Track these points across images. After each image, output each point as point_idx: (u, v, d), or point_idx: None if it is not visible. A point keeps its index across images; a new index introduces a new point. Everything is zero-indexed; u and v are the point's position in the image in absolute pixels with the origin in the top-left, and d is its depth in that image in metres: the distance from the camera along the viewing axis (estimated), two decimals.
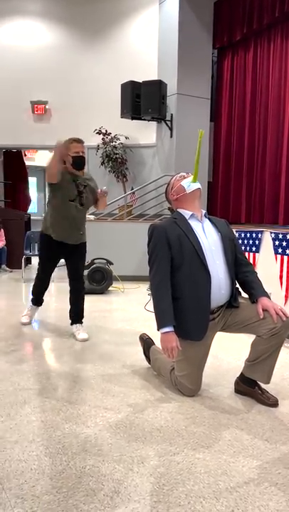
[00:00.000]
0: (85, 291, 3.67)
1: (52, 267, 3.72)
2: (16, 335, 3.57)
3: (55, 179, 3.22)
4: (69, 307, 3.66)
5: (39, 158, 11.86)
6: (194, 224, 2.36)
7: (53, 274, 3.95)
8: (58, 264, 3.78)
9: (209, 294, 2.25)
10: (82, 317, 3.65)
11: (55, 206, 3.43)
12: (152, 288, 2.32)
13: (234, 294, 2.36)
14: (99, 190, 3.52)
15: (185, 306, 2.27)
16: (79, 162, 3.31)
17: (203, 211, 2.46)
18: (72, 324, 3.61)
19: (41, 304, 3.96)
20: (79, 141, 3.31)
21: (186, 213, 2.39)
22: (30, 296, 3.92)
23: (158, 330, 2.26)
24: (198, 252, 2.26)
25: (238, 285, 2.44)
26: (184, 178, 2.43)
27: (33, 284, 3.86)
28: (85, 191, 3.45)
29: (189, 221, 2.36)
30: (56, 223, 3.43)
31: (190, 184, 2.39)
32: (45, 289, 3.85)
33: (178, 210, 2.46)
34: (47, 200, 3.57)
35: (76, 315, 3.62)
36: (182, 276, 2.28)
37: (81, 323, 3.62)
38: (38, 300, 3.90)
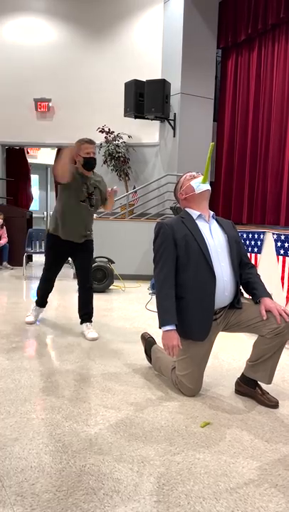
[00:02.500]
0: (93, 289, 3.66)
1: (58, 268, 3.70)
2: (18, 332, 3.57)
3: (66, 178, 3.21)
4: (72, 305, 3.65)
5: (42, 156, 11.86)
6: (201, 224, 2.36)
7: None
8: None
9: (213, 296, 2.26)
10: (92, 316, 3.64)
11: (64, 206, 3.42)
12: (156, 286, 2.32)
13: (238, 296, 2.37)
14: (109, 189, 3.52)
15: (188, 306, 2.27)
16: (90, 163, 3.31)
17: (211, 212, 2.46)
18: (82, 323, 3.60)
19: (45, 306, 3.96)
20: (91, 142, 3.31)
21: (194, 213, 2.39)
22: (35, 298, 3.90)
23: (160, 328, 2.26)
24: (205, 253, 2.26)
25: (240, 286, 2.44)
26: (194, 177, 2.42)
27: (38, 285, 3.85)
28: (95, 193, 3.45)
29: (197, 221, 2.36)
30: (65, 223, 3.43)
31: (199, 184, 2.38)
32: (50, 291, 3.86)
33: (186, 209, 2.45)
34: (56, 199, 3.54)
35: (86, 314, 3.60)
36: (187, 277, 2.28)
37: (91, 321, 3.60)
38: (42, 302, 3.90)
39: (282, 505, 1.53)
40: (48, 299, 3.91)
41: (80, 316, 3.61)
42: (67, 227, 3.44)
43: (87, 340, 3.41)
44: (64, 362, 2.91)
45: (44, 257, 3.73)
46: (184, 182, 2.45)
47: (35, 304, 3.92)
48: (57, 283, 3.87)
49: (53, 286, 3.83)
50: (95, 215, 6.55)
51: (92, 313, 3.63)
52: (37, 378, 2.60)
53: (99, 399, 2.34)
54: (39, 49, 8.58)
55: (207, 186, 2.40)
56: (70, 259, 3.78)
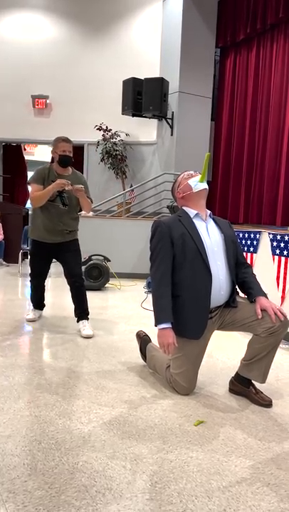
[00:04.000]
0: (85, 287, 3.65)
1: (43, 270, 3.71)
2: (12, 329, 3.56)
3: (38, 205, 3.39)
4: (68, 302, 3.65)
5: (38, 153, 11.83)
6: (198, 223, 2.36)
7: (50, 270, 3.93)
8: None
9: (209, 294, 2.26)
10: (88, 313, 3.62)
11: (37, 208, 3.46)
12: (153, 284, 2.32)
13: (233, 295, 2.37)
14: (70, 187, 3.35)
15: (184, 305, 2.28)
16: (64, 160, 3.37)
17: (208, 211, 2.46)
18: (78, 321, 3.59)
19: (43, 308, 3.97)
20: (67, 141, 3.38)
21: (191, 212, 2.39)
22: (30, 295, 3.90)
23: (155, 326, 2.26)
24: (201, 251, 2.26)
25: (236, 285, 2.44)
26: (192, 176, 2.42)
27: (30, 292, 3.86)
28: (66, 191, 3.40)
29: (194, 220, 2.36)
30: (39, 224, 3.46)
31: (197, 183, 2.38)
32: (43, 293, 3.87)
33: (183, 208, 2.45)
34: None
35: (81, 312, 3.59)
36: (183, 275, 2.28)
37: (87, 319, 3.59)
38: (39, 305, 3.92)
39: (274, 504, 1.53)
40: (44, 297, 3.90)
41: (76, 315, 3.61)
42: (42, 228, 3.45)
43: (82, 337, 3.41)
44: (58, 359, 2.90)
45: (30, 266, 3.75)
46: (182, 181, 2.45)
47: (33, 307, 3.92)
48: (52, 281, 3.86)
49: (43, 289, 3.85)
50: (91, 213, 6.57)
51: (88, 310, 3.62)
52: (31, 375, 2.59)
53: (93, 396, 2.34)
54: (37, 46, 8.55)
55: (205, 185, 2.40)
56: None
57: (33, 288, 3.80)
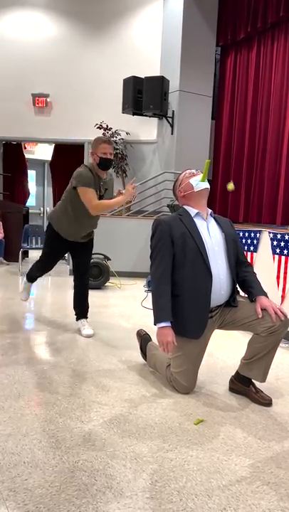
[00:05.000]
0: (88, 286, 3.65)
1: (53, 261, 3.61)
2: (13, 328, 3.56)
3: (100, 213, 3.28)
4: (68, 302, 3.64)
5: (39, 151, 11.81)
6: (199, 222, 2.36)
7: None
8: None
9: (210, 294, 2.26)
10: (88, 312, 3.62)
11: (75, 206, 3.24)
12: (152, 283, 2.32)
13: (234, 295, 2.37)
14: (122, 190, 3.27)
15: (184, 304, 2.28)
16: (105, 163, 3.17)
17: (209, 210, 2.45)
18: (77, 320, 3.59)
19: (34, 281, 3.84)
20: (109, 142, 3.18)
21: (192, 211, 2.39)
22: (31, 293, 3.83)
23: (155, 324, 2.26)
24: (202, 251, 2.26)
25: (237, 285, 2.44)
26: (193, 175, 2.42)
27: (32, 266, 3.72)
28: (105, 194, 3.37)
29: (194, 219, 2.36)
30: (71, 223, 3.30)
31: (198, 183, 2.38)
32: (42, 275, 3.75)
33: (184, 206, 2.45)
34: (64, 196, 3.33)
35: (82, 311, 3.59)
36: (183, 274, 2.28)
37: (86, 317, 3.59)
38: (32, 278, 3.78)
39: (273, 502, 1.53)
40: (43, 295, 3.89)
41: (76, 313, 3.60)
42: (75, 229, 3.33)
43: (82, 336, 3.41)
44: (58, 358, 2.90)
45: (42, 250, 3.64)
46: (183, 179, 2.45)
47: (25, 279, 3.81)
48: (53, 279, 3.86)
49: (46, 272, 3.70)
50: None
51: (88, 309, 3.63)
52: (31, 374, 2.60)
53: (93, 395, 2.34)
54: (38, 44, 8.54)
55: (206, 185, 2.40)
56: (66, 255, 3.73)
57: (38, 267, 3.63)
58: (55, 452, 1.78)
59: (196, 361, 2.39)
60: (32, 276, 3.78)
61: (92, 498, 1.51)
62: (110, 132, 8.06)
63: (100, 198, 3.25)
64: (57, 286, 5.08)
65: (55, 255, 3.58)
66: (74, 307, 3.61)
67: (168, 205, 6.42)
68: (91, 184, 3.12)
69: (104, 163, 3.17)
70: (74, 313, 3.62)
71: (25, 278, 3.86)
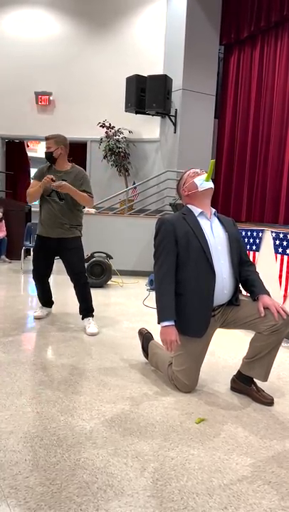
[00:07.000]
0: (89, 284, 3.65)
1: (45, 266, 3.68)
2: (15, 326, 3.57)
3: (31, 201, 3.69)
4: (71, 299, 3.64)
5: (41, 150, 11.79)
6: (203, 222, 2.35)
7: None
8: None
9: (213, 293, 2.26)
10: (93, 310, 3.63)
11: (40, 204, 3.60)
12: (156, 282, 2.32)
13: (236, 294, 2.37)
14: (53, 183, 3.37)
15: (187, 303, 2.28)
16: (46, 156, 3.56)
17: (213, 210, 2.45)
18: (83, 319, 3.60)
19: (51, 305, 3.97)
20: (46, 138, 3.59)
21: (196, 210, 2.38)
22: (32, 292, 3.88)
23: (158, 323, 2.26)
24: (205, 250, 2.26)
25: (239, 284, 2.44)
26: (198, 174, 2.41)
27: (35, 287, 3.86)
28: (75, 185, 3.43)
29: (198, 218, 2.35)
30: (41, 219, 3.56)
31: (203, 182, 2.38)
32: (48, 291, 3.86)
33: (188, 205, 2.45)
34: None
35: (85, 309, 3.60)
36: (187, 274, 2.28)
37: (92, 316, 3.60)
38: (47, 303, 3.92)
39: (274, 502, 1.53)
40: (51, 295, 3.90)
41: (80, 312, 3.61)
42: (43, 222, 3.55)
43: (86, 334, 3.41)
44: (60, 356, 2.91)
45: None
46: (188, 179, 2.44)
47: (41, 305, 3.92)
48: (56, 278, 3.87)
49: (48, 286, 3.83)
50: (93, 210, 6.57)
51: (92, 307, 3.63)
52: (33, 372, 2.60)
53: (94, 393, 2.34)
54: (41, 42, 8.54)
55: (210, 184, 2.40)
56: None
57: (36, 286, 3.80)
58: (57, 450, 1.78)
59: (198, 360, 2.39)
60: (44, 297, 3.87)
61: (93, 496, 1.51)
62: (113, 130, 8.06)
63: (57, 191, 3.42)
64: (61, 284, 5.08)
65: (41, 259, 3.65)
66: (79, 308, 3.63)
67: (170, 204, 6.41)
68: (36, 176, 3.59)
69: (46, 156, 3.59)
70: (77, 311, 3.63)
71: (40, 305, 3.92)
